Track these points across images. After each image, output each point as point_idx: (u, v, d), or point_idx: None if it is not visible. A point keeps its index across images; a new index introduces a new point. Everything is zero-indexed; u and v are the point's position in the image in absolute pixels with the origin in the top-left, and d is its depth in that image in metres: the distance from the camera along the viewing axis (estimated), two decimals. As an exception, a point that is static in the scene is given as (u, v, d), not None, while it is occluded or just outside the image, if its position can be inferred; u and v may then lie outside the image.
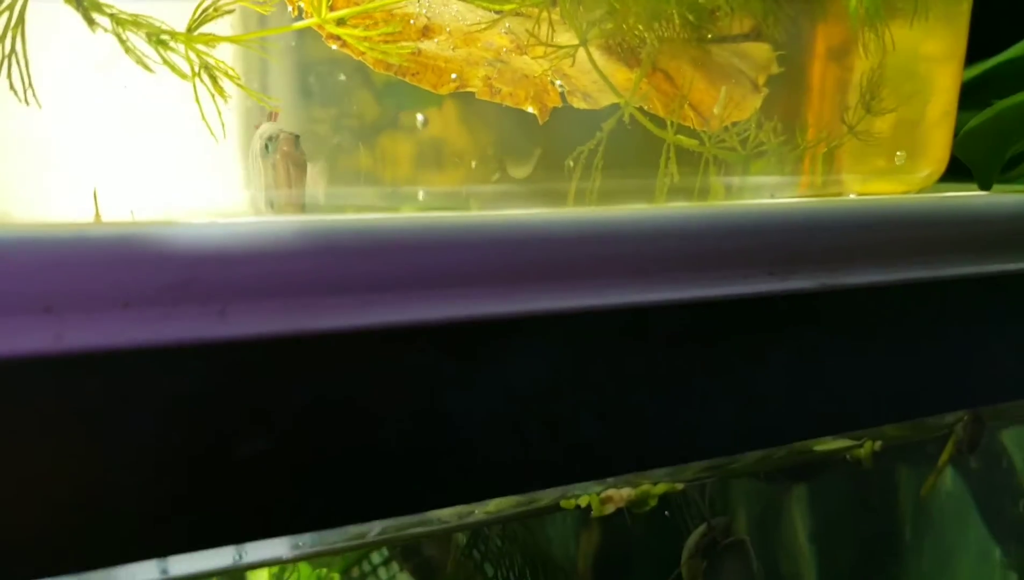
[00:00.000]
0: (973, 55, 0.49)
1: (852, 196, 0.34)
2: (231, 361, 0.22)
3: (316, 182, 0.29)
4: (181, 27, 0.25)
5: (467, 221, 0.24)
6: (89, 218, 0.25)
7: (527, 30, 0.29)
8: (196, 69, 0.26)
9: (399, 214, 0.25)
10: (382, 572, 0.39)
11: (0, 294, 0.19)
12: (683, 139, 0.30)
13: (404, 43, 0.28)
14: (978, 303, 0.33)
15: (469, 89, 0.29)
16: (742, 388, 0.28)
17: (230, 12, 0.26)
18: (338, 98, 0.30)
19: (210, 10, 0.26)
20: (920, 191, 0.36)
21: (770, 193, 0.33)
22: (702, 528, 0.31)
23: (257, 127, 0.28)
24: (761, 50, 0.34)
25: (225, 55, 0.26)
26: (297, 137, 0.28)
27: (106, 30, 0.24)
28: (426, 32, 0.28)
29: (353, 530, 0.28)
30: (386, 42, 0.27)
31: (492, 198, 0.30)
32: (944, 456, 0.37)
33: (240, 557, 0.27)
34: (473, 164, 0.30)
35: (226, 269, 0.21)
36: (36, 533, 0.21)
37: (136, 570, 0.25)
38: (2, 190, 0.26)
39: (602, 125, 0.30)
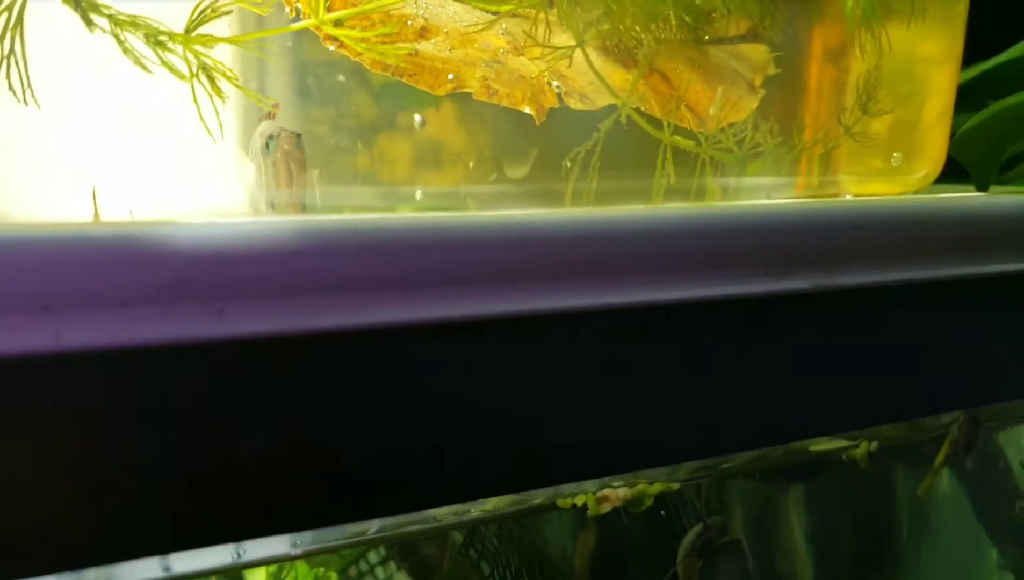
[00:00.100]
0: (971, 56, 0.49)
1: (848, 197, 0.34)
2: (230, 360, 0.22)
3: (313, 182, 0.29)
4: (180, 28, 0.25)
5: (465, 221, 0.24)
6: (88, 217, 0.25)
7: (524, 31, 0.29)
8: (194, 70, 0.26)
9: (397, 214, 0.25)
10: (379, 571, 0.39)
11: (-1, 293, 0.19)
12: (680, 140, 0.30)
13: (401, 44, 0.28)
14: (974, 304, 0.33)
15: (466, 90, 0.29)
16: (738, 388, 0.29)
17: (228, 13, 0.26)
18: (335, 98, 0.30)
19: (208, 11, 0.26)
20: (916, 192, 0.36)
21: (767, 194, 0.33)
22: (698, 527, 0.32)
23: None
24: (758, 51, 0.34)
25: (225, 56, 0.26)
26: (298, 136, 0.28)
27: (104, 31, 0.24)
28: (423, 33, 0.29)
29: (351, 528, 0.28)
30: (383, 43, 0.27)
31: (489, 198, 0.30)
32: (940, 457, 0.37)
33: (239, 555, 0.27)
34: (470, 164, 0.30)
35: (225, 269, 0.21)
36: (36, 531, 0.21)
37: (136, 567, 0.25)
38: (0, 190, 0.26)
39: (599, 126, 0.30)
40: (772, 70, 0.34)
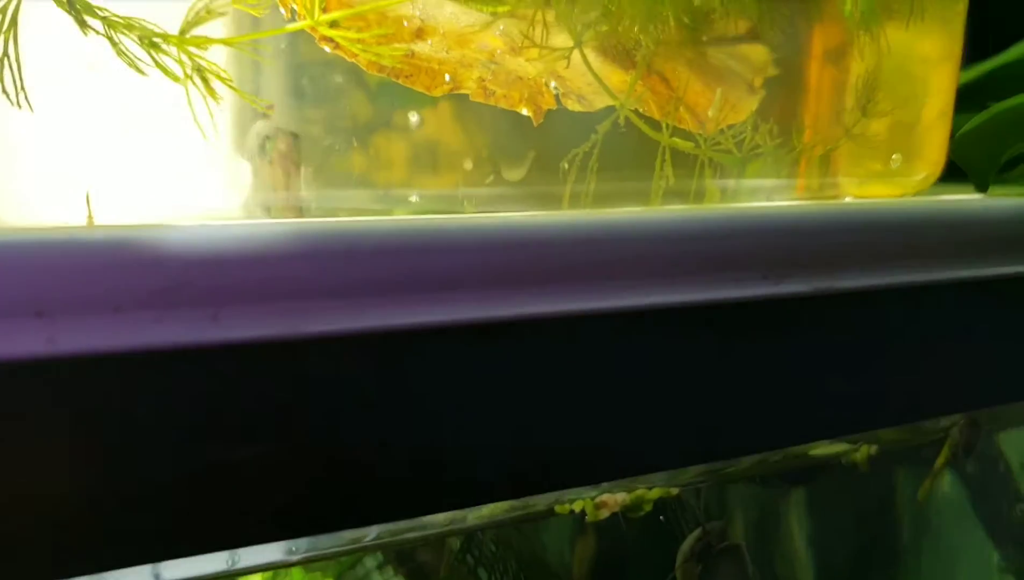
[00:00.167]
0: (973, 57, 0.49)
1: (848, 199, 0.34)
2: (224, 364, 0.22)
3: (308, 183, 0.29)
4: (176, 28, 0.25)
5: (460, 224, 0.24)
6: (82, 222, 0.25)
7: (521, 32, 0.29)
8: (188, 71, 0.26)
9: (393, 217, 0.25)
10: (376, 577, 0.39)
11: (-10, 298, 0.19)
12: (678, 141, 0.30)
13: (397, 45, 0.28)
14: (974, 306, 0.33)
15: (463, 91, 0.29)
16: (737, 393, 0.28)
17: (223, 15, 0.26)
18: (330, 99, 0.29)
19: (202, 12, 0.26)
20: (917, 194, 0.36)
21: (766, 196, 0.33)
22: (697, 532, 0.31)
23: (266, 123, 0.28)
24: (758, 52, 0.34)
25: (220, 57, 0.26)
26: (296, 136, 0.28)
27: (98, 33, 0.24)
28: (420, 34, 0.28)
29: (347, 535, 0.28)
30: (379, 44, 0.27)
31: (487, 201, 0.30)
32: (940, 460, 0.37)
33: (233, 562, 0.27)
34: (467, 166, 0.30)
35: (219, 272, 0.21)
36: (29, 537, 0.21)
37: (130, 574, 0.25)
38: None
39: (597, 127, 0.29)
40: (772, 71, 0.34)
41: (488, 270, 0.24)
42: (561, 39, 0.29)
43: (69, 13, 0.24)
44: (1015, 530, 0.52)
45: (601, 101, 0.30)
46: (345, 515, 0.24)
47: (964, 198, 0.34)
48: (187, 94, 0.26)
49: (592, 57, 0.30)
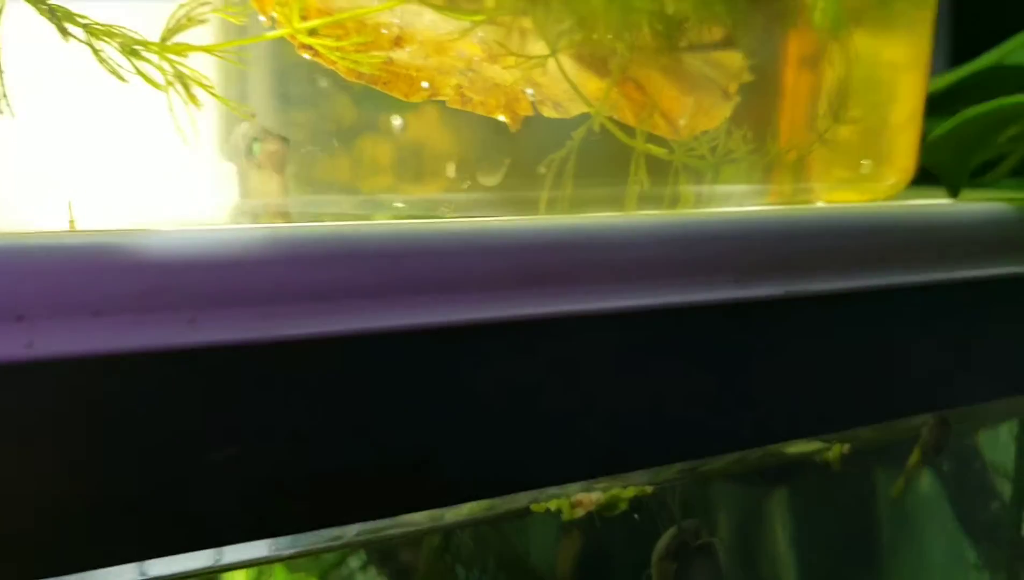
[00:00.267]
0: (954, 64, 0.50)
1: (820, 204, 0.35)
2: (202, 368, 0.22)
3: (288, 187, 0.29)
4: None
5: (436, 228, 0.24)
6: (63, 227, 0.25)
7: (497, 40, 0.29)
8: (169, 78, 0.26)
9: (370, 221, 0.26)
10: (359, 577, 0.40)
11: (-29, 303, 0.20)
12: (652, 147, 0.31)
13: (376, 52, 0.28)
14: (942, 308, 0.34)
15: (441, 98, 0.29)
16: (710, 394, 0.29)
17: (203, 23, 0.26)
18: (311, 103, 0.30)
19: (183, 20, 0.26)
20: (888, 199, 0.36)
21: (740, 201, 0.33)
22: (672, 531, 0.32)
23: (252, 124, 0.29)
24: (733, 59, 0.35)
25: (206, 63, 0.27)
26: (284, 139, 0.28)
27: (79, 40, 0.24)
28: (398, 42, 0.29)
29: (324, 534, 0.28)
30: (358, 52, 0.28)
31: (465, 205, 0.30)
32: (912, 459, 0.38)
33: (218, 559, 0.28)
34: (444, 172, 0.30)
35: (197, 277, 0.21)
36: (9, 538, 0.21)
37: (110, 574, 0.25)
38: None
39: (573, 133, 0.30)
40: (747, 77, 0.34)
41: (462, 274, 0.24)
42: (538, 47, 0.30)
43: (51, 21, 0.25)
44: (991, 528, 0.53)
45: (577, 108, 0.30)
46: (324, 514, 0.25)
47: (932, 202, 0.34)
48: (168, 101, 0.26)
49: (569, 65, 0.31)
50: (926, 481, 0.51)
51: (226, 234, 0.22)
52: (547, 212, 0.30)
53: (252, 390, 0.23)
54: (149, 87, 0.26)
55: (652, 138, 0.31)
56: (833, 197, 0.35)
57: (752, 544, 0.45)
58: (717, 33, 0.34)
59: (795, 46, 0.35)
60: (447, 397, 0.25)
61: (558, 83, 0.31)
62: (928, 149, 0.38)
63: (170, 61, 0.26)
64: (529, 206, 0.30)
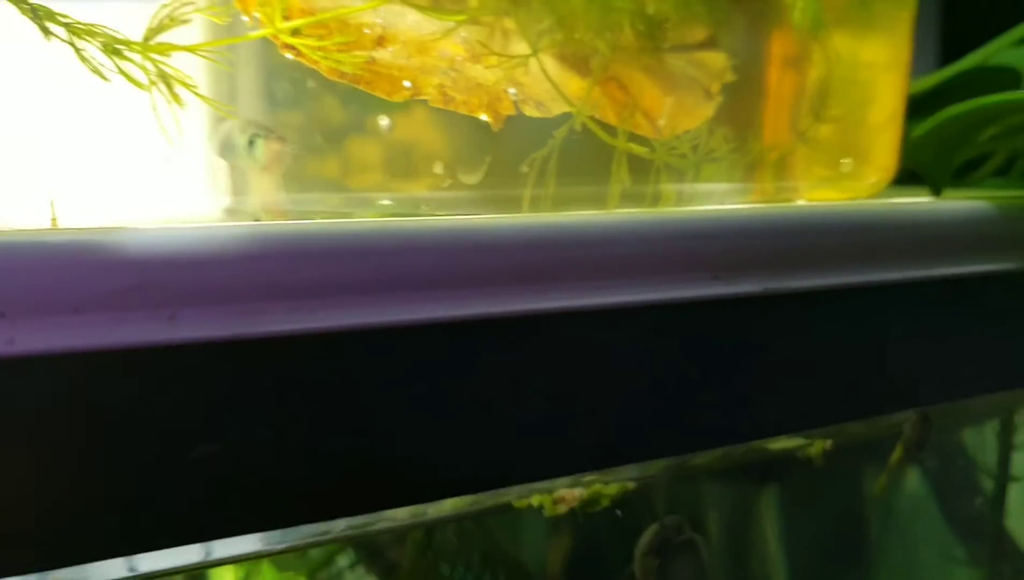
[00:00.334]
0: (945, 65, 0.50)
1: (799, 202, 0.35)
2: (181, 364, 0.22)
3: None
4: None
5: (415, 226, 0.25)
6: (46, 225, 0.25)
7: (479, 40, 0.29)
8: (152, 78, 0.26)
9: (350, 219, 0.26)
10: (348, 576, 0.40)
11: (-49, 299, 0.20)
12: (634, 147, 0.31)
13: (358, 52, 0.28)
14: (923, 305, 0.34)
15: (423, 97, 0.29)
16: (691, 391, 0.29)
17: (186, 23, 0.27)
18: (296, 104, 0.30)
19: (165, 20, 0.26)
20: (869, 197, 0.37)
21: (722, 200, 0.34)
22: (655, 527, 0.32)
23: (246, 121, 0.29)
24: (716, 59, 0.35)
25: (196, 64, 0.27)
26: (284, 137, 0.28)
27: (61, 40, 0.25)
28: (381, 42, 0.29)
29: (306, 530, 0.28)
30: (340, 51, 0.28)
31: (447, 204, 0.30)
32: (894, 456, 0.38)
33: (207, 554, 0.28)
34: (429, 170, 0.31)
35: (176, 274, 0.22)
36: (-10, 534, 0.21)
37: (97, 569, 0.25)
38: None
39: (555, 133, 0.30)
40: (730, 77, 0.35)
41: (442, 271, 0.25)
42: (520, 47, 0.30)
43: (32, 20, 0.25)
44: (976, 524, 0.53)
45: (559, 107, 0.31)
46: (305, 510, 0.25)
47: (912, 200, 0.35)
48: (152, 100, 0.26)
49: (551, 64, 0.31)
50: (913, 478, 0.52)
51: (205, 232, 0.22)
52: (530, 210, 0.30)
53: (231, 386, 0.23)
54: (133, 89, 0.26)
55: (634, 137, 0.31)
56: (814, 195, 0.36)
57: (736, 541, 0.45)
58: (699, 33, 0.35)
59: (777, 46, 0.35)
60: (428, 394, 0.25)
61: (541, 83, 0.31)
62: (910, 149, 0.38)
63: (153, 61, 0.26)
64: (512, 204, 0.31)
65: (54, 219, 0.26)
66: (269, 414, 0.23)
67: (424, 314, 0.24)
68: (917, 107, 0.41)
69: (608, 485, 0.31)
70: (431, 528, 0.33)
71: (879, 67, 0.36)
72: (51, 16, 0.25)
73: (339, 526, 0.30)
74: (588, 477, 0.31)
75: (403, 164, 0.31)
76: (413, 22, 0.30)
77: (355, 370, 0.24)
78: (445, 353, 0.25)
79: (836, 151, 0.36)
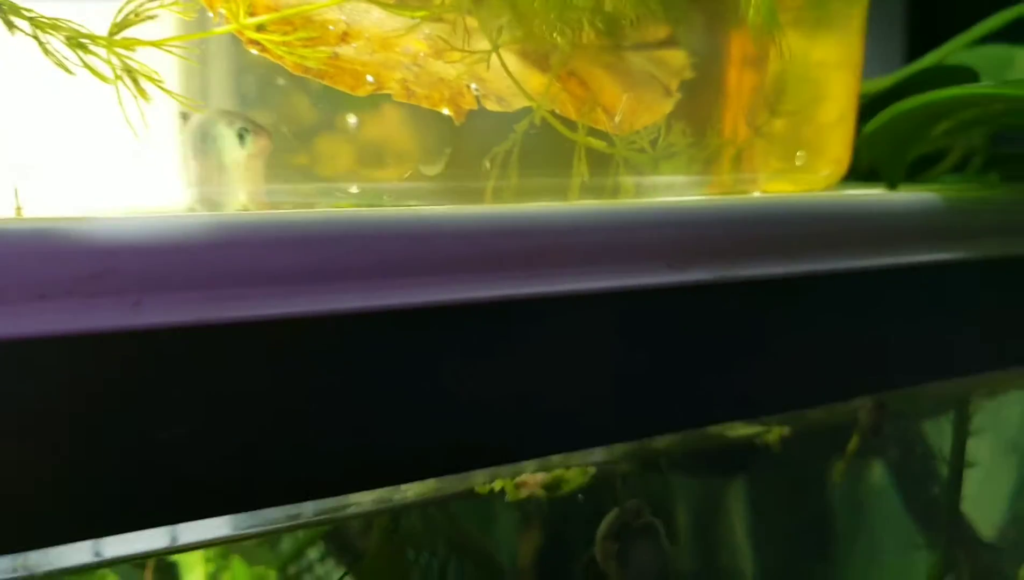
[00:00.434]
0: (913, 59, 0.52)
1: (756, 194, 0.36)
2: (146, 350, 0.23)
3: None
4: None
5: (377, 215, 0.25)
6: (10, 213, 0.26)
7: (440, 36, 0.30)
8: (118, 72, 0.27)
9: (314, 209, 0.26)
10: (318, 568, 0.40)
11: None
12: (593, 141, 0.32)
13: (322, 48, 0.29)
14: (877, 294, 0.35)
15: (386, 91, 0.30)
16: (648, 377, 0.30)
17: (152, 18, 0.27)
18: (266, 99, 0.31)
19: (131, 16, 0.27)
20: (823, 189, 0.38)
21: (680, 192, 0.35)
22: (615, 511, 0.33)
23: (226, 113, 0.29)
24: (675, 56, 0.36)
25: (168, 60, 0.27)
26: (267, 130, 0.29)
27: (25, 33, 0.25)
28: (345, 37, 0.30)
29: (272, 515, 0.29)
30: (304, 47, 0.29)
31: (411, 195, 0.31)
32: (851, 443, 0.39)
33: (173, 539, 0.28)
34: (395, 162, 0.31)
35: (141, 261, 0.22)
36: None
37: (61, 553, 0.25)
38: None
39: (515, 127, 0.31)
40: (689, 74, 0.36)
41: (404, 259, 0.25)
42: (482, 43, 0.31)
43: (-1, 16, 0.25)
44: (935, 512, 0.54)
45: (519, 102, 0.31)
46: (273, 494, 0.26)
47: (863, 192, 0.36)
48: (117, 94, 0.27)
49: (513, 60, 0.32)
50: (874, 468, 0.53)
51: (168, 221, 0.23)
52: (492, 202, 0.31)
53: (196, 372, 0.23)
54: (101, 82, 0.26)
55: (594, 132, 0.32)
56: (769, 188, 0.37)
57: (699, 526, 0.46)
58: (659, 31, 0.36)
59: (735, 44, 0.36)
60: (392, 378, 0.26)
61: (502, 78, 0.32)
62: (865, 143, 0.39)
63: (118, 55, 0.27)
64: (475, 196, 0.31)
65: (19, 208, 0.26)
66: (233, 398, 0.24)
67: (385, 301, 0.25)
68: (875, 105, 0.42)
69: (569, 469, 0.32)
70: (397, 514, 0.34)
71: (832, 64, 0.37)
72: (16, 11, 0.25)
73: (307, 510, 0.30)
74: (551, 460, 0.31)
75: (367, 156, 0.31)
76: (377, 19, 0.31)
77: (318, 355, 0.25)
78: (408, 338, 0.26)
79: (791, 145, 0.37)
